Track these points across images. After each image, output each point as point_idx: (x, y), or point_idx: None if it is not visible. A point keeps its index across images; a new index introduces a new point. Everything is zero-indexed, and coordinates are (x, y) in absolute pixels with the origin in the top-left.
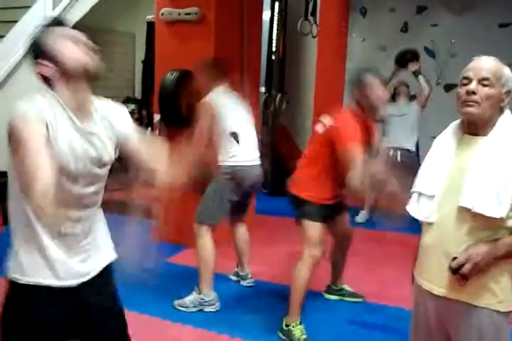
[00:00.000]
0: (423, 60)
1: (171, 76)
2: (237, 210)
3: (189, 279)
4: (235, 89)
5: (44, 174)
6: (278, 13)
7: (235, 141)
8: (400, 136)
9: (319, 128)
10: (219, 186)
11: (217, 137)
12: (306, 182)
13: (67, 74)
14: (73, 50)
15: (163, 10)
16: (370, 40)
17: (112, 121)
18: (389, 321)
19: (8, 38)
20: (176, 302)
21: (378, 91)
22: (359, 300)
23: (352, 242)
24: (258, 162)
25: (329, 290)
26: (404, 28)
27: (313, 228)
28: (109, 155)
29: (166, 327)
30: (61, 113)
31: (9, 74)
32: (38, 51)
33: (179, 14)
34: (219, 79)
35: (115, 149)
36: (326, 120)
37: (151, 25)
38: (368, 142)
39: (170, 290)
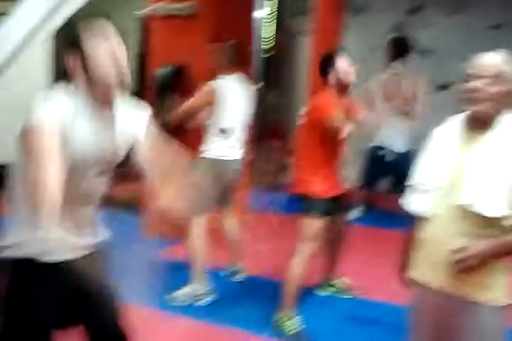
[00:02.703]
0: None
1: (165, 70)
2: (219, 203)
3: (181, 273)
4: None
5: (51, 192)
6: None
7: (222, 136)
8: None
9: (301, 120)
10: (198, 176)
11: (197, 125)
12: (308, 177)
13: (92, 80)
14: (105, 62)
15: (157, 5)
16: (363, 40)
17: (129, 126)
18: (381, 316)
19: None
20: (170, 296)
21: (345, 69)
22: (351, 295)
23: (346, 239)
24: (239, 157)
25: (322, 285)
26: (398, 29)
27: (312, 224)
28: (121, 155)
29: (159, 319)
30: (81, 111)
31: (14, 54)
32: (73, 42)
33: (173, 9)
34: (233, 65)
35: (126, 150)
36: (303, 110)
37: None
38: (349, 116)
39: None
